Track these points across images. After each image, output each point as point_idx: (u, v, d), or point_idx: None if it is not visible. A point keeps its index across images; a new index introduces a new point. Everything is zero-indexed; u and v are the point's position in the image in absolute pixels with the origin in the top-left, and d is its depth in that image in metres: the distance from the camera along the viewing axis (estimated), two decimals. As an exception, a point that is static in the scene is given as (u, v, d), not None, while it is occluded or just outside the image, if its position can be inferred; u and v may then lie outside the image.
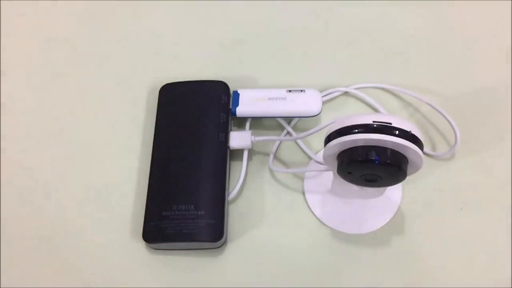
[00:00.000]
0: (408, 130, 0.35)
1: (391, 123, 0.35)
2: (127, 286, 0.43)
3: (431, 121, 0.50)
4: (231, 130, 0.48)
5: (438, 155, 0.48)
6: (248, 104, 0.48)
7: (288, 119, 0.50)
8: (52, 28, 0.56)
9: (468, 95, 0.51)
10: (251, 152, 0.48)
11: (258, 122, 0.50)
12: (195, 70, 0.53)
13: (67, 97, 0.52)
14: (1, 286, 0.44)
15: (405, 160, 0.36)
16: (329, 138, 0.37)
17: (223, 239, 0.43)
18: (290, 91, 0.48)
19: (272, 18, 0.56)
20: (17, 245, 0.45)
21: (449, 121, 0.47)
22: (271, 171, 0.48)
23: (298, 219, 0.46)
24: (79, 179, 0.48)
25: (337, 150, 0.38)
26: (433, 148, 0.48)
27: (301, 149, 0.49)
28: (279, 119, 0.50)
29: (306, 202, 0.46)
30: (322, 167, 0.45)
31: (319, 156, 0.47)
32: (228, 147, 0.46)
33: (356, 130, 0.36)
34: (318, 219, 0.45)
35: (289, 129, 0.49)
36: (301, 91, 0.48)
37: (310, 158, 0.48)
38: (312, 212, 0.46)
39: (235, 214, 0.46)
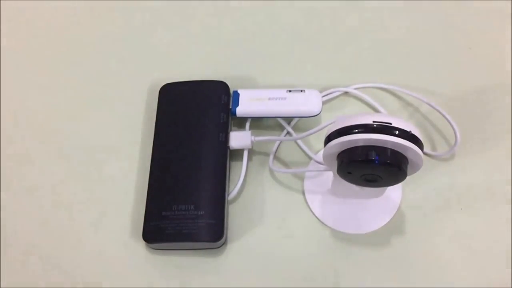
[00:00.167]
0: (408, 130, 0.35)
1: (391, 123, 0.35)
2: (127, 286, 0.43)
3: (431, 121, 0.50)
4: (231, 130, 0.48)
5: (438, 155, 0.48)
6: (248, 104, 0.48)
7: (288, 119, 0.50)
8: (52, 28, 0.56)
9: (468, 95, 0.51)
10: (251, 152, 0.48)
11: (258, 122, 0.50)
12: (195, 70, 0.53)
13: (67, 97, 0.52)
14: (1, 286, 0.44)
15: (405, 160, 0.36)
16: (329, 138, 0.37)
17: (223, 239, 0.43)
18: (290, 91, 0.48)
19: (272, 18, 0.56)
20: (17, 245, 0.45)
21: (449, 121, 0.47)
22: (271, 171, 0.48)
23: (298, 219, 0.46)
24: (79, 179, 0.48)
25: (337, 150, 0.38)
26: (433, 148, 0.48)
27: (301, 149, 0.49)
28: (279, 119, 0.50)
29: (306, 202, 0.46)
30: (322, 167, 0.45)
31: (319, 156, 0.47)
32: (228, 147, 0.46)
33: (356, 130, 0.36)
34: (318, 219, 0.45)
35: (289, 129, 0.49)
36: (301, 91, 0.48)
37: (310, 158, 0.48)
38: (312, 212, 0.46)
39: (235, 214, 0.46)
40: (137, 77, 0.53)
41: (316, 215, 0.46)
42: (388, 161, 0.36)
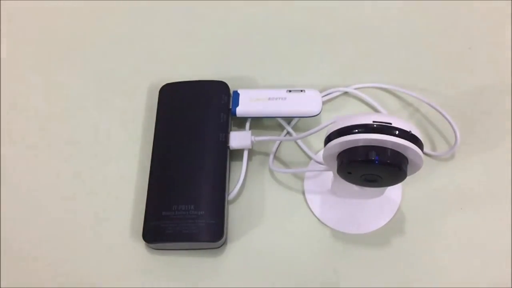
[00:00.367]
0: (408, 130, 0.35)
1: (391, 123, 0.35)
2: (127, 286, 0.43)
3: (431, 121, 0.50)
4: (231, 130, 0.48)
5: (438, 155, 0.48)
6: (248, 104, 0.48)
7: (288, 119, 0.50)
8: (51, 28, 0.56)
9: (468, 95, 0.51)
10: (251, 152, 0.48)
11: (258, 122, 0.50)
12: (195, 70, 0.53)
13: (67, 97, 0.52)
14: (1, 286, 0.44)
15: (405, 160, 0.36)
16: (329, 138, 0.37)
17: (223, 239, 0.43)
18: (290, 91, 0.48)
19: (272, 18, 0.56)
20: (16, 244, 0.45)
21: (449, 121, 0.47)
22: (271, 171, 0.48)
23: (298, 219, 0.46)
24: (79, 178, 0.48)
25: (337, 150, 0.38)
26: (433, 148, 0.49)
27: (301, 149, 0.49)
28: (279, 119, 0.50)
29: (306, 202, 0.46)
30: (322, 167, 0.45)
31: (319, 156, 0.47)
32: (228, 147, 0.46)
33: (356, 130, 0.36)
34: (318, 219, 0.45)
35: (289, 129, 0.49)
36: (301, 91, 0.48)
37: (310, 158, 0.48)
38: (312, 212, 0.46)
39: (235, 214, 0.46)
40: (137, 77, 0.53)
41: (316, 215, 0.46)
42: (388, 161, 0.36)
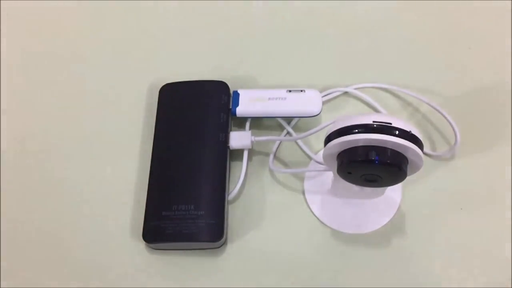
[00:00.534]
0: (408, 130, 0.35)
1: (391, 123, 0.35)
2: (127, 286, 0.43)
3: (431, 121, 0.50)
4: (231, 130, 0.48)
5: (438, 155, 0.48)
6: (248, 104, 0.48)
7: (288, 119, 0.50)
8: (52, 28, 0.56)
9: (468, 95, 0.51)
10: (251, 152, 0.48)
11: (258, 122, 0.50)
12: (195, 70, 0.53)
13: (67, 97, 0.52)
14: (1, 286, 0.44)
15: (405, 160, 0.36)
16: (329, 138, 0.37)
17: (223, 239, 0.43)
18: (290, 91, 0.48)
19: (272, 18, 0.56)
20: (16, 244, 0.45)
21: (449, 121, 0.47)
22: (271, 171, 0.48)
23: (298, 219, 0.46)
24: (79, 178, 0.48)
25: (337, 150, 0.38)
26: (433, 148, 0.48)
27: (301, 149, 0.49)
28: (279, 119, 0.50)
29: (306, 202, 0.46)
30: (322, 167, 0.45)
31: (319, 156, 0.47)
32: (228, 147, 0.46)
33: (356, 130, 0.36)
34: (318, 219, 0.45)
35: (289, 129, 0.49)
36: (301, 91, 0.48)
37: (310, 158, 0.48)
38: (312, 212, 0.46)
39: (235, 214, 0.46)
40: (137, 77, 0.53)
41: (316, 215, 0.46)
42: (388, 161, 0.36)
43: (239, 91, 0.49)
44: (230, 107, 0.48)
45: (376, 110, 0.51)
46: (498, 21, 0.55)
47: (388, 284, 0.43)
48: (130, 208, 0.46)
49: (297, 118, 0.50)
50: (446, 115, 0.48)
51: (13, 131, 0.50)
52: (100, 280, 0.44)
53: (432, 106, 0.49)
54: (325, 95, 0.50)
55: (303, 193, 0.47)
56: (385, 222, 0.45)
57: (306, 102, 0.48)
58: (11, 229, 0.46)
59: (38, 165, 0.49)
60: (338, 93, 0.51)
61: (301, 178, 0.47)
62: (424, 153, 0.40)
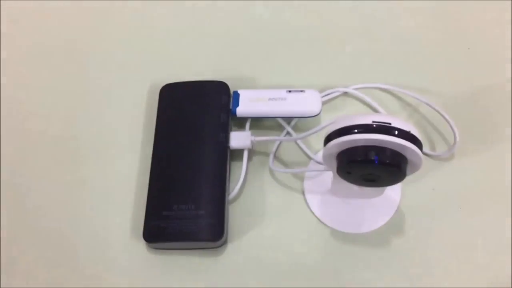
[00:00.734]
0: (408, 130, 0.35)
1: (390, 123, 0.35)
2: (127, 286, 0.43)
3: (430, 121, 0.50)
4: (231, 130, 0.48)
5: (438, 155, 0.48)
6: (248, 104, 0.48)
7: (288, 119, 0.50)
8: (51, 28, 0.56)
9: (468, 95, 0.51)
10: (251, 152, 0.48)
11: (258, 122, 0.50)
12: (195, 70, 0.53)
13: (67, 97, 0.52)
14: (1, 286, 0.44)
15: (405, 160, 0.36)
16: (329, 138, 0.37)
17: (223, 239, 0.43)
18: (290, 91, 0.48)
19: (272, 18, 0.56)
20: (16, 244, 0.45)
21: (448, 121, 0.47)
22: (271, 171, 0.48)
23: (298, 219, 0.46)
24: (79, 178, 0.48)
25: (337, 150, 0.38)
26: (433, 148, 0.49)
27: (301, 149, 0.49)
28: (279, 119, 0.50)
29: (306, 202, 0.46)
30: (322, 167, 0.45)
31: (319, 156, 0.47)
32: (228, 147, 0.46)
33: (356, 130, 0.36)
34: (318, 219, 0.46)
35: (289, 129, 0.49)
36: (301, 91, 0.48)
37: (310, 158, 0.48)
38: (312, 212, 0.46)
39: (235, 214, 0.46)
40: (137, 77, 0.53)
41: (316, 215, 0.46)
42: (388, 161, 0.36)
43: (239, 91, 0.49)
44: (230, 107, 0.48)
45: (375, 110, 0.51)
46: (498, 21, 0.55)
47: (388, 284, 0.43)
48: (130, 208, 0.46)
49: (297, 118, 0.50)
50: (446, 115, 0.48)
51: (13, 131, 0.50)
52: (100, 280, 0.44)
53: (431, 106, 0.49)
54: (325, 95, 0.50)
55: (303, 193, 0.47)
56: (384, 222, 0.45)
57: (306, 102, 0.48)
58: (11, 229, 0.46)
59: (38, 165, 0.49)
60: (338, 93, 0.51)
61: (301, 178, 0.48)
62: (424, 153, 0.40)
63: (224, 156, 0.46)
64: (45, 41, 0.55)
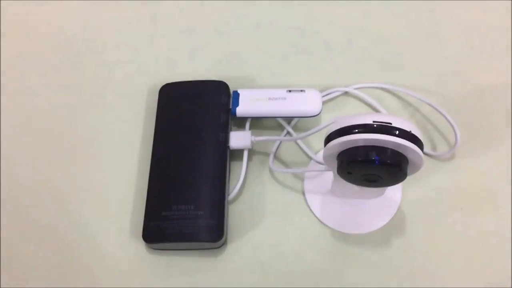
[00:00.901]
0: (408, 130, 0.35)
1: (391, 123, 0.35)
2: (127, 286, 0.43)
3: (431, 121, 0.50)
4: (231, 130, 0.48)
5: (438, 155, 0.48)
6: (248, 104, 0.48)
7: (288, 119, 0.50)
8: (51, 28, 0.56)
9: (468, 95, 0.51)
10: (251, 152, 0.48)
11: (258, 122, 0.50)
12: (195, 70, 0.53)
13: (67, 97, 0.52)
14: (1, 286, 0.44)
15: (405, 160, 0.36)
16: (329, 138, 0.37)
17: (223, 239, 0.43)
18: (290, 91, 0.48)
19: (272, 18, 0.56)
20: (16, 244, 0.45)
21: (449, 121, 0.47)
22: (271, 171, 0.48)
23: (298, 219, 0.46)
24: (79, 179, 0.48)
25: (337, 150, 0.38)
26: (433, 148, 0.48)
27: (301, 149, 0.49)
28: (279, 119, 0.50)
29: (306, 202, 0.46)
30: (322, 167, 0.45)
31: (319, 156, 0.47)
32: (228, 147, 0.46)
33: (356, 130, 0.36)
34: (318, 219, 0.45)
35: (289, 129, 0.49)
36: (301, 91, 0.48)
37: (310, 158, 0.48)
38: (312, 212, 0.46)
39: (235, 214, 0.46)
40: (137, 77, 0.53)
41: (316, 215, 0.46)
42: (388, 161, 0.36)
43: (239, 91, 0.49)
44: (230, 107, 0.48)
45: (376, 110, 0.51)
46: (498, 21, 0.55)
47: (388, 284, 0.43)
48: (130, 208, 0.46)
49: (297, 118, 0.50)
50: (446, 115, 0.48)
51: (13, 131, 0.50)
52: (100, 280, 0.44)
53: (432, 106, 0.49)
54: (325, 95, 0.50)
55: (303, 193, 0.47)
56: (385, 222, 0.45)
57: (306, 102, 0.48)
58: (12, 230, 0.46)
59: (38, 165, 0.49)
60: (338, 93, 0.51)
61: (301, 178, 0.47)
62: (424, 153, 0.39)
63: (224, 156, 0.46)
64: (44, 40, 0.55)
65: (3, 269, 0.44)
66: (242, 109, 0.48)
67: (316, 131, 0.43)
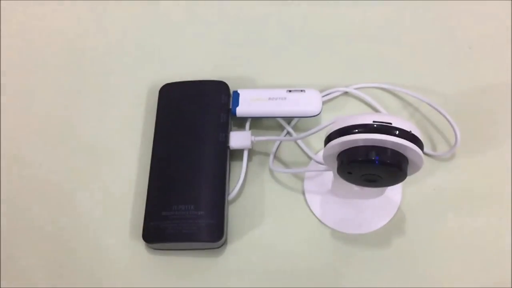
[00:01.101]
0: (408, 130, 0.35)
1: (391, 123, 0.35)
2: (127, 286, 0.43)
3: (431, 121, 0.50)
4: (231, 130, 0.48)
5: (438, 155, 0.48)
6: (248, 104, 0.48)
7: (288, 119, 0.50)
8: (51, 28, 0.56)
9: (468, 95, 0.51)
10: (251, 152, 0.48)
11: (258, 122, 0.50)
12: (195, 70, 0.53)
13: (66, 97, 0.52)
14: (1, 286, 0.44)
15: (405, 160, 0.36)
16: (329, 138, 0.37)
17: (223, 239, 0.43)
18: (290, 91, 0.48)
19: (272, 18, 0.56)
20: (16, 244, 0.45)
21: (449, 121, 0.47)
22: (271, 171, 0.48)
23: (298, 219, 0.46)
24: (78, 179, 0.48)
25: (337, 150, 0.38)
26: (433, 148, 0.48)
27: (301, 149, 0.49)
28: (279, 119, 0.50)
29: (306, 202, 0.46)
30: (322, 167, 0.45)
31: (319, 156, 0.47)
32: (228, 147, 0.46)
33: (356, 130, 0.36)
34: (318, 219, 0.45)
35: (289, 129, 0.49)
36: (301, 91, 0.48)
37: (310, 158, 0.48)
38: (312, 212, 0.46)
39: (235, 214, 0.46)
40: (137, 77, 0.53)
41: (316, 215, 0.46)
42: (388, 161, 0.36)
43: (239, 91, 0.49)
44: (230, 107, 0.48)
45: (376, 110, 0.51)
46: (498, 21, 0.55)
47: (388, 284, 0.43)
48: (130, 208, 0.46)
49: (297, 118, 0.50)
50: (446, 115, 0.47)
51: (13, 131, 0.50)
52: (100, 280, 0.44)
53: (432, 106, 0.49)
54: (325, 95, 0.50)
55: (303, 193, 0.47)
56: (385, 222, 0.45)
57: (306, 102, 0.47)
58: (11, 230, 0.46)
59: (37, 165, 0.49)
60: (338, 93, 0.51)
61: (301, 178, 0.47)
62: (424, 153, 0.39)
63: (224, 156, 0.46)
64: (44, 41, 0.55)
65: (3, 269, 0.44)
66: (242, 109, 0.48)
67: (316, 131, 0.42)
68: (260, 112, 0.48)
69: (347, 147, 0.37)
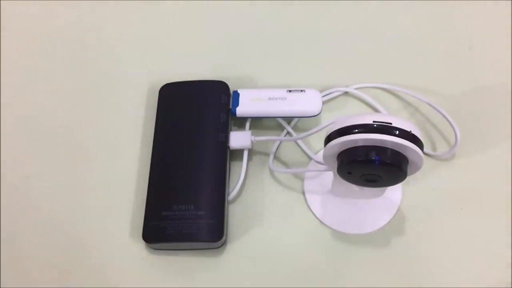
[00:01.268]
0: (408, 130, 0.35)
1: (391, 123, 0.35)
2: (127, 286, 0.43)
3: (431, 121, 0.50)
4: (231, 130, 0.48)
5: (438, 155, 0.48)
6: (248, 104, 0.48)
7: (288, 119, 0.50)
8: (51, 28, 0.56)
9: (468, 95, 0.51)
10: (251, 152, 0.48)
11: (258, 122, 0.50)
12: (195, 70, 0.53)
13: (67, 97, 0.52)
14: (1, 286, 0.44)
15: (405, 160, 0.36)
16: (329, 138, 0.37)
17: (223, 239, 0.43)
18: (290, 91, 0.48)
19: (272, 18, 0.56)
20: (16, 244, 0.45)
21: (449, 121, 0.47)
22: (271, 171, 0.48)
23: (298, 219, 0.46)
24: (78, 179, 0.48)
25: (337, 150, 0.38)
26: (433, 148, 0.48)
27: (301, 149, 0.49)
28: (279, 119, 0.50)
29: (306, 202, 0.46)
30: (322, 167, 0.45)
31: (319, 156, 0.47)
32: (228, 147, 0.46)
33: (356, 130, 0.36)
34: (318, 219, 0.45)
35: (289, 129, 0.49)
36: (301, 91, 0.48)
37: (310, 158, 0.48)
38: (312, 212, 0.46)
39: (235, 214, 0.46)
40: (137, 77, 0.53)
41: (316, 215, 0.46)
42: (388, 161, 0.36)
43: (239, 91, 0.49)
44: (230, 107, 0.48)
45: (376, 110, 0.51)
46: (498, 21, 0.55)
47: (388, 284, 0.43)
48: (130, 208, 0.46)
49: (297, 118, 0.50)
50: (446, 115, 0.47)
51: (13, 131, 0.50)
52: (100, 280, 0.44)
53: (432, 106, 0.49)
54: (325, 95, 0.50)
55: (303, 193, 0.47)
56: (385, 222, 0.45)
57: (306, 102, 0.47)
58: (11, 230, 0.46)
59: (37, 165, 0.49)
60: (338, 93, 0.51)
61: (301, 178, 0.47)
62: (424, 153, 0.39)
63: (224, 156, 0.46)
64: (44, 40, 0.55)
65: (3, 269, 0.44)
66: (242, 109, 0.48)
67: (316, 131, 0.42)
68: (260, 112, 0.48)
69: (347, 147, 0.37)
